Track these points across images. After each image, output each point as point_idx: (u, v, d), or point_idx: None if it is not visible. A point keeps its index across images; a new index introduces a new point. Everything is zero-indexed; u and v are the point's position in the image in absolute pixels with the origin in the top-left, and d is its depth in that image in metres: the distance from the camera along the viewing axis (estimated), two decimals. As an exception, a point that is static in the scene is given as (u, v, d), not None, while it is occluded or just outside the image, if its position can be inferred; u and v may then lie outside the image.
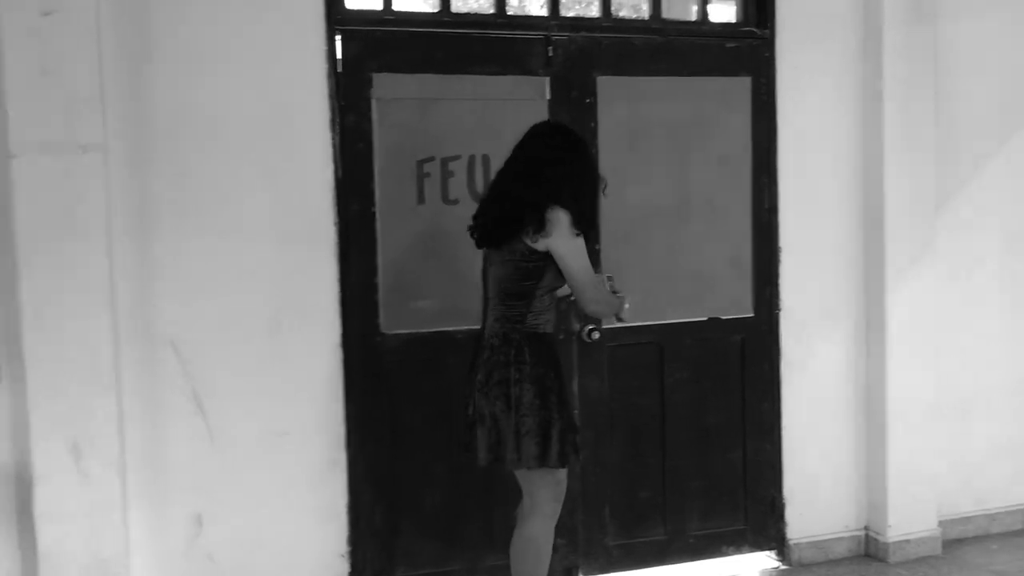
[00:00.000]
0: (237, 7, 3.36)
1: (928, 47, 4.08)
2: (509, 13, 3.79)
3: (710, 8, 4.00)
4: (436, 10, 3.69)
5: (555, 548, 3.76)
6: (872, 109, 4.07)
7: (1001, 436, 4.45)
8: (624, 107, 3.82)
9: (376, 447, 3.61)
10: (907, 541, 4.13)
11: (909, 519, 4.15)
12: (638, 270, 3.82)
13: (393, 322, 3.60)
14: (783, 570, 4.10)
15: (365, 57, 3.53)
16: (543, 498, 3.14)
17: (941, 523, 4.26)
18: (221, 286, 3.38)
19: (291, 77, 3.43)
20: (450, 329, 3.65)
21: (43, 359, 3.03)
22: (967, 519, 4.40)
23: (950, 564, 4.11)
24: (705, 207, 3.96)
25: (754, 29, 4.01)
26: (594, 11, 3.97)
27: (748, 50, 4.00)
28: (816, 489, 4.16)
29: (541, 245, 2.98)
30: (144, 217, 3.29)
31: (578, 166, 3.09)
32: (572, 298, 3.21)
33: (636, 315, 3.79)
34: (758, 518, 4.11)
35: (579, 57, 3.78)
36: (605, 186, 3.25)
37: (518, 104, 3.68)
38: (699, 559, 4.04)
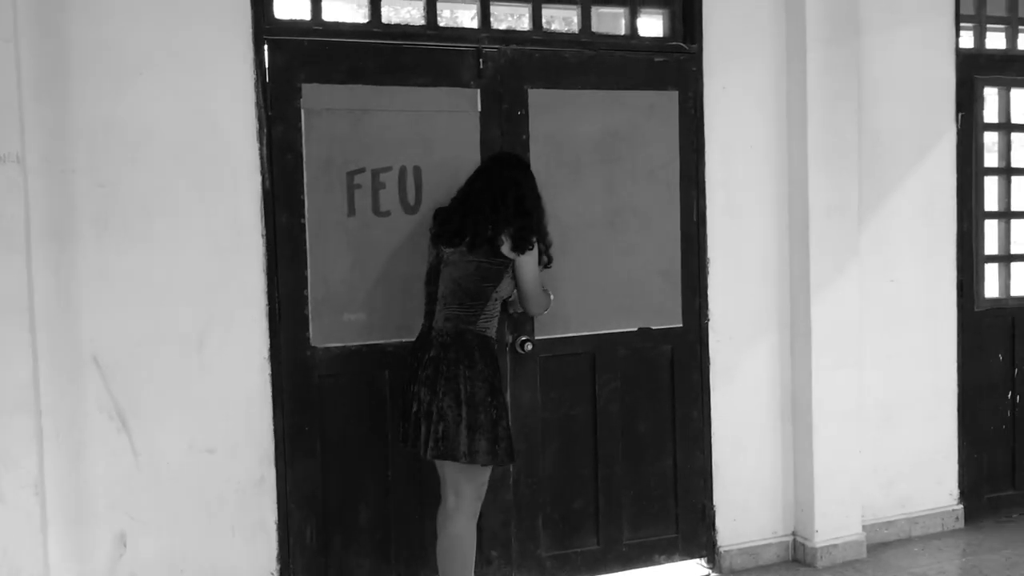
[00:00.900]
0: (161, 16, 3.30)
1: (851, 63, 4.18)
2: (440, 24, 3.78)
3: (639, 23, 4.06)
4: (366, 21, 3.66)
5: (489, 560, 3.79)
6: (797, 122, 4.16)
7: (923, 442, 4.57)
8: (555, 119, 3.85)
9: (306, 462, 3.56)
10: (834, 546, 4.22)
11: (835, 524, 4.23)
12: (570, 282, 3.83)
13: (323, 335, 3.56)
14: (713, 577, 4.16)
15: (294, 67, 3.50)
16: (469, 496, 3.28)
17: (865, 528, 4.36)
18: (146, 299, 3.32)
19: (218, 87, 3.38)
20: (381, 342, 3.62)
21: (-43, 376, 2.94)
22: (890, 523, 4.51)
23: (875, 567, 4.21)
24: (635, 218, 4.00)
25: (682, 44, 4.07)
26: (525, 24, 4.00)
27: (676, 64, 4.05)
28: (745, 496, 4.23)
29: (512, 255, 3.24)
30: (66, 229, 3.21)
31: (534, 186, 3.40)
32: (510, 299, 3.41)
33: (568, 326, 3.85)
34: (689, 526, 4.15)
35: (510, 69, 3.79)
36: None
37: (449, 116, 3.69)
38: (632, 568, 4.06)
